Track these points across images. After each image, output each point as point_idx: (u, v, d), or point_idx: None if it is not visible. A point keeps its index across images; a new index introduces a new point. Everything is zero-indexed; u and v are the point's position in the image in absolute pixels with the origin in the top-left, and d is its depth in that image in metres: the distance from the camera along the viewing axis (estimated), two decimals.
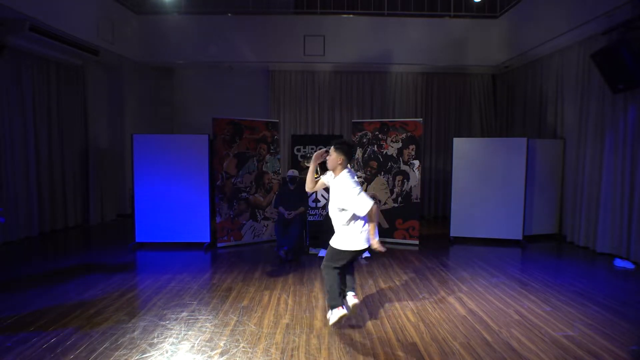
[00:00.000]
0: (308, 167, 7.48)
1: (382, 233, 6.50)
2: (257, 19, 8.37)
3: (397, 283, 4.52)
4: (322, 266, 3.37)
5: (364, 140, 6.61)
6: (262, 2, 8.72)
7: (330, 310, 3.32)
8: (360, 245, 3.22)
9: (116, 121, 8.61)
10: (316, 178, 3.56)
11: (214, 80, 9.31)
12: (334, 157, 3.22)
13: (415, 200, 6.36)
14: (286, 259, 5.35)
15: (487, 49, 8.39)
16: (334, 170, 3.28)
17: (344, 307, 3.26)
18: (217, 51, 8.30)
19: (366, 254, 5.59)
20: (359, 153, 6.65)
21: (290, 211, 5.70)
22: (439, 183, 9.13)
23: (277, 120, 7.07)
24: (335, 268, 3.28)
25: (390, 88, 9.08)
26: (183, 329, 3.31)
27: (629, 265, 5.14)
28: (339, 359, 2.87)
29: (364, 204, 3.07)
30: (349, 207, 3.13)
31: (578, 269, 5.12)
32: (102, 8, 7.21)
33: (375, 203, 3.13)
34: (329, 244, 3.36)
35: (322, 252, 5.61)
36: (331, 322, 3.30)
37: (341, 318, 3.26)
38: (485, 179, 6.39)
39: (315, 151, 9.73)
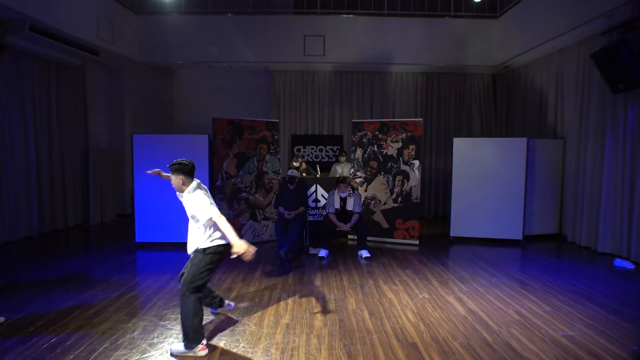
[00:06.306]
0: (299, 165, 7.46)
1: (382, 233, 6.51)
2: (257, 19, 8.36)
3: (397, 283, 4.52)
4: (184, 293, 2.93)
5: (364, 140, 6.61)
6: (262, 2, 8.71)
7: (186, 346, 2.88)
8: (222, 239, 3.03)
9: (116, 121, 8.61)
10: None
11: (214, 80, 9.31)
12: (173, 179, 3.02)
13: (415, 200, 6.36)
14: (286, 259, 5.35)
15: (487, 49, 8.39)
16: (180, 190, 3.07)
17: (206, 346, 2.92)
18: (217, 51, 8.30)
19: (366, 254, 5.59)
20: (359, 153, 6.65)
21: (290, 211, 5.70)
22: (439, 183, 9.14)
23: (277, 120, 7.07)
24: (199, 291, 2.98)
25: (390, 88, 9.08)
26: None
27: (629, 265, 5.14)
28: (339, 359, 2.87)
29: (205, 211, 2.91)
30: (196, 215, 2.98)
31: (578, 269, 5.12)
32: (102, 8, 7.20)
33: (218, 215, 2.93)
34: (192, 258, 3.07)
35: (322, 252, 5.60)
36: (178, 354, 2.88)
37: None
38: (485, 179, 6.39)
39: (315, 151, 9.61)
